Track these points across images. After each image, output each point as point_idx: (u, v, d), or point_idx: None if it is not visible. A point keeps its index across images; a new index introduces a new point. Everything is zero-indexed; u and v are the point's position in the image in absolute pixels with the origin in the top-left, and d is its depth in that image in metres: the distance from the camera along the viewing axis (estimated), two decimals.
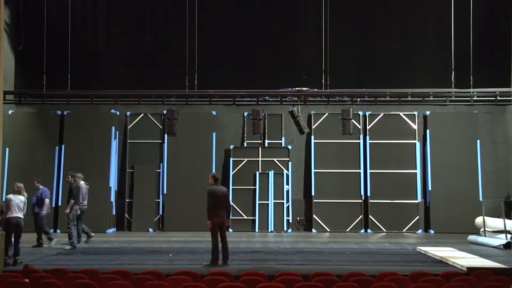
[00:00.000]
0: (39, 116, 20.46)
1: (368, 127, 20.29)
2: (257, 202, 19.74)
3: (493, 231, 16.50)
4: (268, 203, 19.68)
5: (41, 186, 15.69)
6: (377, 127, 20.28)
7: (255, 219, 19.72)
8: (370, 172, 20.06)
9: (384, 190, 19.90)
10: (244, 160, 20.22)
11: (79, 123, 20.24)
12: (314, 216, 19.84)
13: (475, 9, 17.57)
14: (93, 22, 20.85)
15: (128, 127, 20.54)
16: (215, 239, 12.14)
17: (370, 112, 20.28)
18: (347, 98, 18.41)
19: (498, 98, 18.49)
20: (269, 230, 19.52)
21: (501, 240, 15.47)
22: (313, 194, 19.96)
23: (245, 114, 20.43)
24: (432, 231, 19.47)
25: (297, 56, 20.01)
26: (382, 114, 20.28)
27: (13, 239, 12.52)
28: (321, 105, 19.83)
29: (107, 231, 19.26)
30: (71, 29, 18.41)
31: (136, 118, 20.57)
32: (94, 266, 11.22)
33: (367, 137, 20.25)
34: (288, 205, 19.61)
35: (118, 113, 20.44)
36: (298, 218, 19.53)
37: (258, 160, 20.18)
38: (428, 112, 20.27)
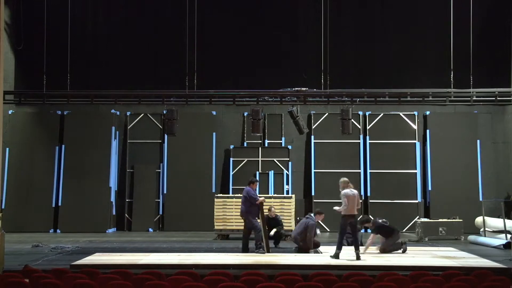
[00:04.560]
0: (39, 116, 20.46)
1: (368, 127, 20.29)
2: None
3: (493, 231, 16.50)
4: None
5: None
6: (377, 127, 20.29)
7: None
8: (370, 172, 20.07)
9: (384, 190, 19.91)
10: (244, 160, 20.23)
11: (79, 123, 20.26)
12: None
13: (474, 9, 17.59)
14: (93, 22, 20.84)
15: (128, 127, 20.55)
16: None
17: (370, 112, 20.29)
18: (346, 98, 18.42)
19: (498, 98, 18.49)
20: None
21: (501, 240, 15.47)
22: (313, 194, 19.97)
23: (245, 114, 20.43)
24: None
25: (297, 56, 20.02)
26: (382, 114, 20.29)
27: None
28: (321, 105, 19.85)
29: (107, 231, 19.27)
30: (71, 29, 18.42)
31: (136, 118, 20.58)
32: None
33: (367, 137, 20.25)
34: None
35: (118, 113, 20.45)
36: (298, 218, 19.48)
37: (258, 160, 20.19)
38: (428, 112, 20.27)
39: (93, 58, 20.57)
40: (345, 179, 12.95)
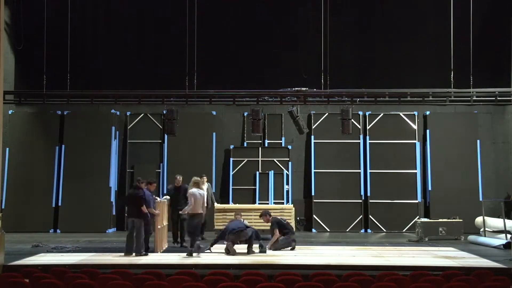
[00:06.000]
0: (39, 116, 20.46)
1: (368, 127, 20.29)
2: (257, 202, 19.72)
3: (493, 231, 16.51)
4: (268, 203, 19.65)
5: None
6: (377, 127, 20.29)
7: None
8: (370, 172, 20.06)
9: (384, 190, 19.91)
10: (244, 160, 20.23)
11: (79, 123, 20.25)
12: (314, 216, 19.85)
13: (475, 9, 17.57)
14: (93, 22, 20.83)
15: (128, 127, 20.54)
16: None
17: (370, 112, 20.29)
18: (346, 98, 18.42)
19: (498, 98, 18.50)
20: None
21: (501, 240, 15.47)
22: (313, 194, 19.97)
23: (245, 114, 20.43)
24: None
25: (297, 56, 20.00)
26: (382, 114, 20.29)
27: None
28: (321, 105, 19.85)
29: (107, 231, 19.26)
30: (71, 29, 18.42)
31: (136, 118, 20.57)
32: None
33: (367, 137, 20.25)
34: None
35: (118, 113, 20.44)
36: (298, 218, 19.53)
37: (258, 160, 20.19)
38: (428, 112, 20.27)
39: (93, 58, 20.56)
40: (196, 179, 13.66)
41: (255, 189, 19.98)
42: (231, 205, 18.25)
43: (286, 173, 20.02)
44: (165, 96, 18.45)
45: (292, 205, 17.39)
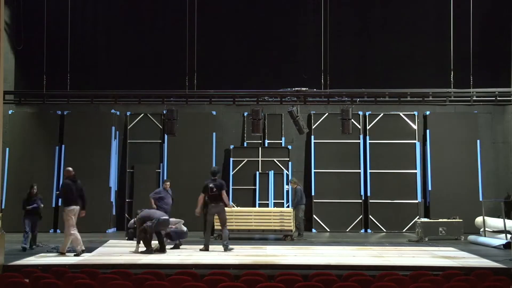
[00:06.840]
0: (39, 116, 20.46)
1: (368, 127, 20.29)
2: (257, 202, 19.73)
3: (493, 231, 16.51)
4: (268, 203, 19.67)
5: None
6: (377, 127, 20.29)
7: None
8: (370, 172, 20.07)
9: (384, 190, 19.91)
10: (244, 160, 20.23)
11: (79, 123, 20.24)
12: (314, 216, 19.85)
13: (475, 8, 17.57)
14: (93, 22, 20.84)
15: (128, 127, 20.54)
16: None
17: (370, 112, 20.29)
18: (346, 98, 18.43)
19: (498, 98, 18.49)
20: None
21: (501, 240, 15.47)
22: (313, 194, 19.96)
23: (245, 114, 20.43)
24: None
25: (297, 56, 20.01)
26: (382, 114, 20.29)
27: None
28: (321, 105, 19.85)
29: (107, 231, 19.27)
30: (71, 29, 18.43)
31: (136, 118, 20.58)
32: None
33: (367, 137, 20.25)
34: (288, 205, 19.58)
35: (118, 113, 20.44)
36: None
37: (258, 160, 20.19)
38: (428, 112, 20.27)
39: (93, 58, 20.57)
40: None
41: (255, 189, 19.98)
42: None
43: (286, 173, 20.02)
44: (165, 96, 18.45)
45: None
